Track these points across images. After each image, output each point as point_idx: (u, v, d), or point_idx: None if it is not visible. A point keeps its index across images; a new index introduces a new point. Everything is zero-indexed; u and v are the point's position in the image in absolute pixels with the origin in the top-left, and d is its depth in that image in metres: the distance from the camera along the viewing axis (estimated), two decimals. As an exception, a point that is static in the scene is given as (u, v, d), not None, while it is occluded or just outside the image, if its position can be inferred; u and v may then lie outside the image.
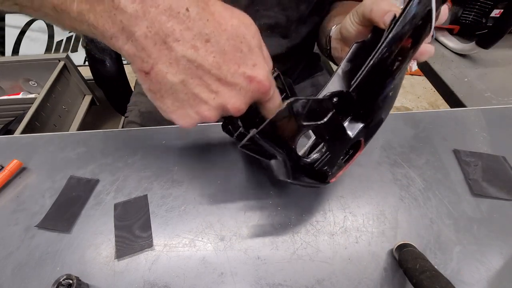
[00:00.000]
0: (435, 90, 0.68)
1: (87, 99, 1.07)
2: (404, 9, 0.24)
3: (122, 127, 0.62)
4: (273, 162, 0.29)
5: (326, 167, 0.29)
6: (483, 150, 0.41)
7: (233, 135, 0.33)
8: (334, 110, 0.25)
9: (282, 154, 0.26)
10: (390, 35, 0.24)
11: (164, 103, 0.24)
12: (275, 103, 0.26)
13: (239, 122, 0.33)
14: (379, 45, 0.24)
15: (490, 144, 0.42)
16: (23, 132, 0.74)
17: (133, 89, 0.70)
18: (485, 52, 0.64)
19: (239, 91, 0.23)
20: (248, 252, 0.32)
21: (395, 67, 0.26)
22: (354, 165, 0.39)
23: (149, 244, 0.32)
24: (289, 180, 0.29)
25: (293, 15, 0.49)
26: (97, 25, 0.20)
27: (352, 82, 0.25)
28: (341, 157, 0.31)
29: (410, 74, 1.92)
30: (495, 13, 0.66)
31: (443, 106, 1.58)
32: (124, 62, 0.68)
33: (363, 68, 0.25)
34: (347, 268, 0.31)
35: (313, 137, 0.32)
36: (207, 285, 0.30)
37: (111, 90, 0.71)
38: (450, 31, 0.75)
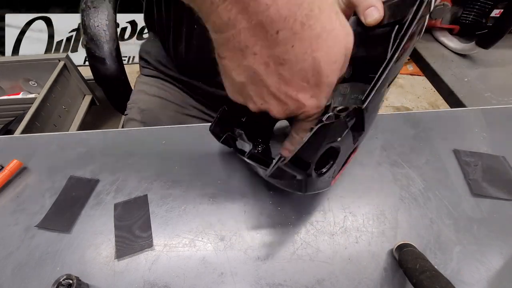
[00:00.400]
0: (435, 90, 0.68)
1: (87, 99, 1.07)
2: (408, 21, 0.23)
3: (122, 126, 0.62)
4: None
5: (331, 177, 0.30)
6: (483, 150, 0.41)
7: (237, 149, 0.34)
8: (348, 129, 0.26)
9: (303, 174, 0.26)
10: (399, 48, 0.23)
11: (224, 81, 0.26)
12: (308, 126, 0.27)
13: (238, 131, 0.34)
14: (387, 59, 0.24)
15: (490, 144, 0.42)
16: (23, 132, 0.74)
17: (133, 88, 0.70)
18: (485, 52, 0.64)
19: (285, 108, 0.24)
20: (248, 252, 0.32)
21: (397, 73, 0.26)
22: (354, 165, 0.39)
23: (149, 244, 0.32)
24: (299, 193, 0.29)
25: None
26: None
27: (364, 98, 0.25)
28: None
29: (410, 74, 1.92)
30: (495, 13, 0.66)
31: (443, 106, 1.58)
32: (124, 61, 0.68)
33: (373, 84, 0.24)
34: (347, 268, 0.31)
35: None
36: (207, 285, 0.30)
37: (111, 89, 0.71)
38: (450, 31, 0.75)
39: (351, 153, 0.32)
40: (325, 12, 0.20)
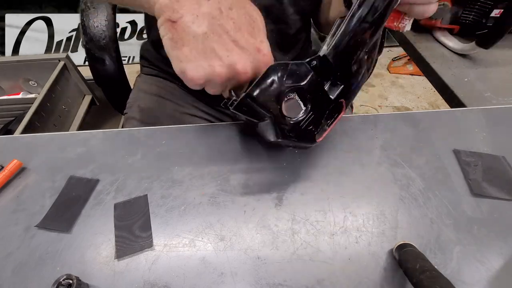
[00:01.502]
0: (435, 90, 0.68)
1: (87, 99, 1.07)
2: None
3: (122, 126, 0.62)
4: (263, 124, 0.31)
5: (311, 127, 0.32)
6: (483, 150, 0.41)
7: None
8: (313, 73, 0.29)
9: (270, 114, 0.29)
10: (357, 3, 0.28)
11: (182, 52, 0.26)
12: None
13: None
14: (349, 12, 0.28)
15: (490, 144, 0.42)
16: (23, 132, 0.74)
17: (132, 88, 0.70)
18: (485, 52, 0.64)
19: (248, 56, 0.27)
20: (248, 252, 0.32)
21: (365, 31, 0.29)
22: (354, 165, 0.39)
23: (149, 244, 0.32)
24: (279, 140, 0.31)
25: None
26: None
27: (327, 47, 0.29)
28: (326, 119, 0.34)
29: (410, 74, 1.91)
30: (495, 13, 0.66)
31: (443, 106, 1.58)
32: (124, 61, 0.68)
33: (336, 33, 0.29)
34: (347, 268, 0.31)
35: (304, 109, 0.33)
36: (207, 285, 0.30)
37: (110, 89, 0.71)
38: (450, 31, 0.75)
39: (335, 110, 0.34)
40: None
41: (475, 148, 0.41)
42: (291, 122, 0.30)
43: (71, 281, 0.27)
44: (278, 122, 0.29)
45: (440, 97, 0.67)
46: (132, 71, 1.01)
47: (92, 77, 0.67)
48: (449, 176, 0.38)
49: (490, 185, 0.37)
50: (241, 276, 0.30)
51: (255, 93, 0.27)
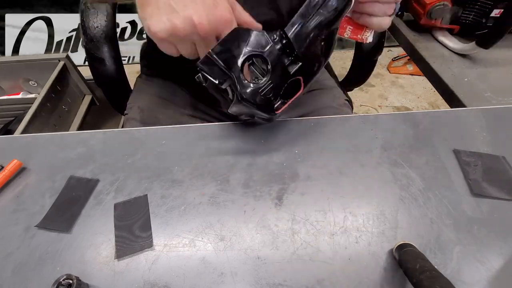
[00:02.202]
0: (435, 90, 0.68)
1: (87, 99, 1.07)
2: None
3: (122, 126, 0.62)
4: (226, 87, 0.33)
5: (270, 95, 0.34)
6: (483, 150, 0.41)
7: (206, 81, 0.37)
8: (272, 44, 0.32)
9: (231, 75, 0.31)
10: None
11: (146, 11, 0.30)
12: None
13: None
14: None
15: (490, 144, 0.42)
16: (23, 132, 0.74)
17: (132, 88, 0.70)
18: (485, 52, 0.64)
19: (204, 9, 0.29)
20: (248, 252, 0.32)
21: (317, 16, 0.33)
22: (354, 165, 0.39)
23: (149, 244, 0.32)
24: (239, 105, 0.33)
25: (283, 8, 0.49)
26: None
27: (291, 25, 0.33)
28: (285, 94, 0.37)
29: (410, 74, 1.92)
30: (495, 13, 0.66)
31: (443, 106, 1.58)
32: (124, 61, 0.68)
33: (298, 14, 0.33)
34: (347, 268, 0.31)
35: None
36: (207, 285, 0.30)
37: (110, 89, 0.71)
38: (450, 31, 0.75)
39: (295, 87, 0.36)
40: None
41: (475, 148, 0.41)
42: (251, 86, 0.32)
43: (71, 281, 0.27)
44: (240, 84, 0.32)
45: (440, 97, 0.67)
46: (132, 71, 1.01)
47: (92, 77, 0.67)
48: (449, 176, 0.38)
49: (490, 185, 0.37)
50: (241, 276, 0.30)
51: (218, 50, 0.30)
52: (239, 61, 0.31)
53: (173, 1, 0.29)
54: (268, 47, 0.32)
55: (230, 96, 0.34)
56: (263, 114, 0.36)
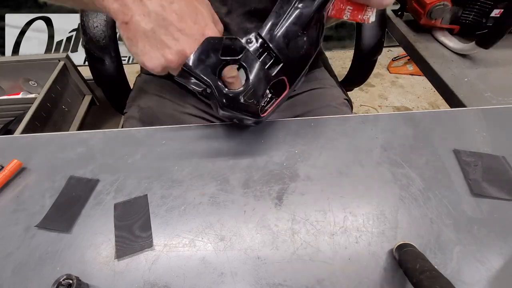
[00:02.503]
0: (435, 90, 0.68)
1: (87, 99, 1.07)
2: None
3: (122, 126, 0.62)
4: (211, 97, 0.34)
5: (252, 100, 0.34)
6: (483, 150, 0.41)
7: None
8: (246, 48, 0.32)
9: (210, 84, 0.31)
10: None
11: (138, 47, 0.30)
12: None
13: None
14: None
15: (490, 144, 0.42)
16: (23, 132, 0.74)
17: (132, 88, 0.70)
18: (485, 52, 0.64)
19: (194, 41, 0.30)
20: (248, 252, 0.32)
21: (294, 12, 0.32)
22: (354, 165, 0.39)
23: (149, 244, 0.32)
24: (222, 112, 0.34)
25: None
26: None
27: (265, 26, 0.32)
28: (272, 96, 0.38)
29: (410, 74, 1.91)
30: (495, 13, 0.66)
31: (443, 106, 1.58)
32: (124, 61, 0.68)
33: (271, 14, 0.32)
34: (347, 268, 0.31)
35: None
36: (207, 285, 0.30)
37: (110, 89, 0.71)
38: (450, 31, 0.75)
39: (280, 88, 0.36)
40: None
41: (475, 148, 0.41)
42: (230, 94, 0.32)
43: (71, 281, 0.27)
44: (218, 92, 0.32)
45: (440, 97, 0.67)
46: (132, 71, 1.01)
47: (92, 77, 0.67)
48: (449, 176, 0.38)
49: (490, 185, 0.37)
50: (241, 276, 0.30)
51: (191, 62, 0.30)
52: (215, 71, 0.31)
53: (164, 37, 0.29)
54: (243, 52, 0.32)
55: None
56: (248, 118, 0.36)
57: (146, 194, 0.37)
